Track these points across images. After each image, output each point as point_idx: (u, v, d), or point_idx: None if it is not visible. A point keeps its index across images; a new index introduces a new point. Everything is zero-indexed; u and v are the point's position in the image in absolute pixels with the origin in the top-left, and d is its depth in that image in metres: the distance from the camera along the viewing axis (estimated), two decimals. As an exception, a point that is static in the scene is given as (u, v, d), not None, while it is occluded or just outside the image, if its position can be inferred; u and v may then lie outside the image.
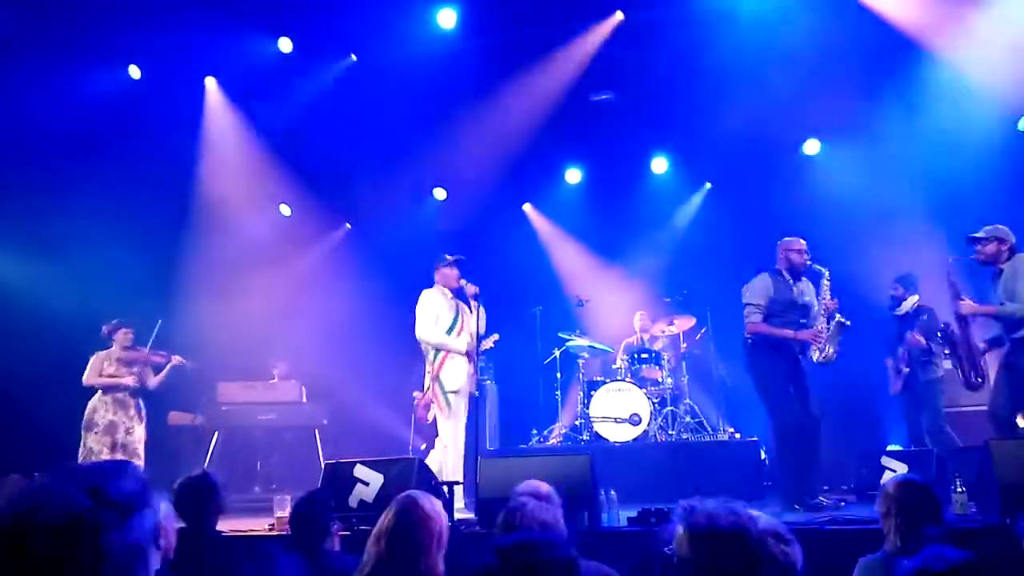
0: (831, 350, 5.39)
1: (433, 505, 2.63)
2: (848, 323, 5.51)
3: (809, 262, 5.58)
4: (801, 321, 5.50)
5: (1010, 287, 5.14)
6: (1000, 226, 5.33)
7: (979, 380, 5.37)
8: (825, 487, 5.56)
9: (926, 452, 5.66)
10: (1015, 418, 5.08)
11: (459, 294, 6.22)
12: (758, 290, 5.47)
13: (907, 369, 6.47)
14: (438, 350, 6.06)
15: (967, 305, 5.39)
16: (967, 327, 5.43)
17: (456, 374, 6.02)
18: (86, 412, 6.94)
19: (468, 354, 6.07)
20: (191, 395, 8.41)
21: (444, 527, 2.61)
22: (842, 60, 7.55)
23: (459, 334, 6.10)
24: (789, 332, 5.39)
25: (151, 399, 7.44)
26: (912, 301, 6.54)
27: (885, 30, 7.65)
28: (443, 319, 6.11)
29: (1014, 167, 7.75)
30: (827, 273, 5.57)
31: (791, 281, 5.53)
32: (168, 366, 7.27)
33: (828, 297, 5.52)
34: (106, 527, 1.26)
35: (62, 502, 1.24)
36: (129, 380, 7.04)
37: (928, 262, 6.93)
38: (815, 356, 5.43)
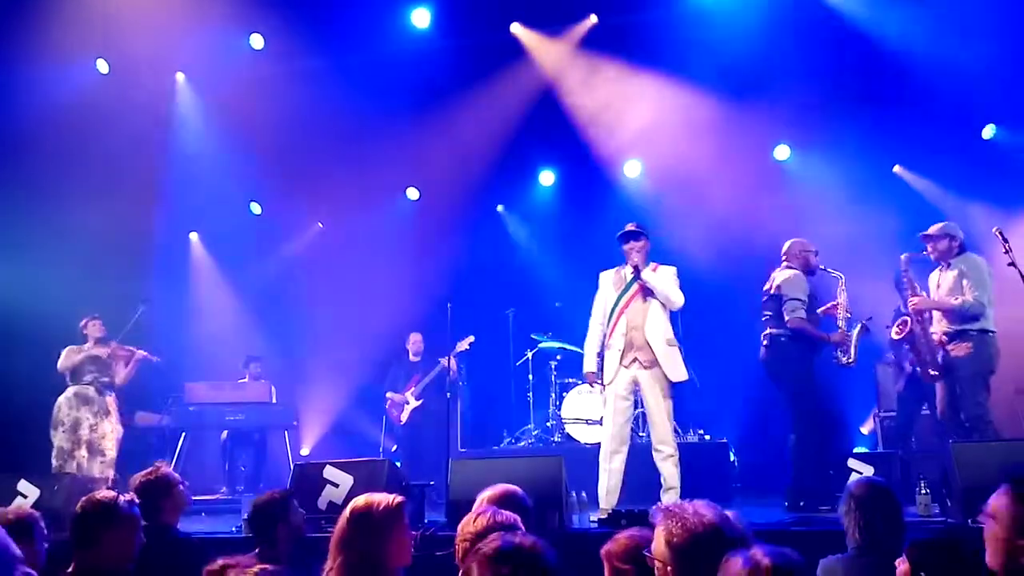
0: (854, 353, 5.42)
1: (385, 503, 2.60)
2: (869, 329, 5.57)
3: (822, 266, 5.60)
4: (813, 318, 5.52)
5: (960, 283, 5.26)
6: (950, 223, 5.48)
7: (936, 373, 5.45)
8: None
9: (891, 455, 5.75)
10: (985, 417, 5.16)
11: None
12: (800, 286, 5.42)
13: (911, 368, 6.45)
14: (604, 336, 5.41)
15: (922, 300, 5.50)
16: (924, 322, 5.53)
17: (609, 366, 5.31)
18: (53, 411, 6.84)
19: (624, 346, 5.26)
20: (158, 395, 8.30)
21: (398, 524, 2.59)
22: (813, 65, 7.64)
23: (619, 318, 5.33)
24: (824, 334, 5.41)
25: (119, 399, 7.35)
26: None
27: (855, 36, 7.77)
28: (608, 303, 5.42)
29: (981, 173, 7.92)
30: (843, 278, 5.57)
31: (806, 280, 5.56)
32: (133, 360, 7.18)
33: (846, 301, 5.51)
34: None
35: None
36: (101, 352, 6.98)
37: (893, 267, 7.06)
38: (841, 359, 5.44)
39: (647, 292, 5.31)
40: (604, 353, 5.39)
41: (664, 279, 5.35)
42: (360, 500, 2.62)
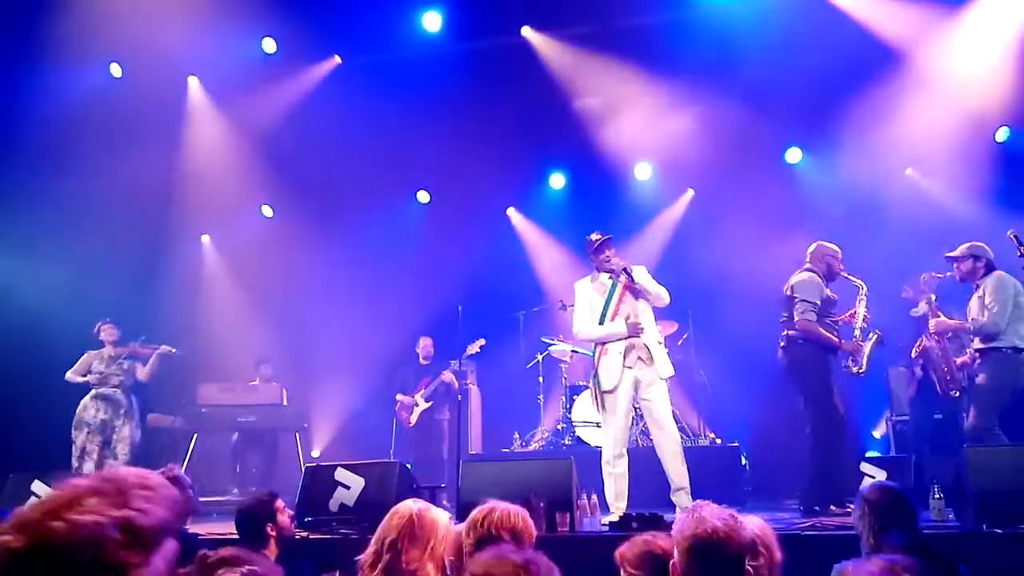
0: (865, 364, 5.35)
1: (438, 515, 2.59)
2: (883, 341, 5.48)
3: (845, 273, 5.53)
4: (834, 321, 5.46)
5: (983, 303, 5.23)
6: (976, 243, 5.41)
7: (955, 392, 5.43)
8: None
9: (904, 459, 5.71)
10: (992, 430, 5.12)
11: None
12: (814, 289, 5.37)
13: (921, 373, 6.45)
14: (596, 344, 5.36)
15: (940, 322, 5.49)
16: (944, 340, 5.51)
17: (610, 371, 5.20)
18: (77, 410, 6.98)
19: (628, 337, 5.20)
20: (170, 397, 8.34)
21: (446, 537, 2.56)
22: (825, 68, 7.60)
23: (613, 319, 5.28)
24: (836, 340, 5.32)
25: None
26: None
27: (867, 40, 7.74)
28: (595, 308, 5.35)
29: (993, 177, 7.87)
30: (864, 287, 5.49)
31: (825, 283, 5.49)
32: (155, 354, 7.32)
33: (865, 311, 5.43)
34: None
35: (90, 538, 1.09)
36: (92, 378, 7.12)
37: (905, 270, 7.04)
38: (852, 368, 5.37)
39: (635, 292, 5.30)
40: (600, 359, 5.30)
41: (646, 277, 5.36)
42: (422, 505, 2.61)
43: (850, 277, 5.54)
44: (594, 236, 5.42)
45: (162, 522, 1.18)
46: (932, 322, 5.53)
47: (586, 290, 5.46)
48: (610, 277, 5.36)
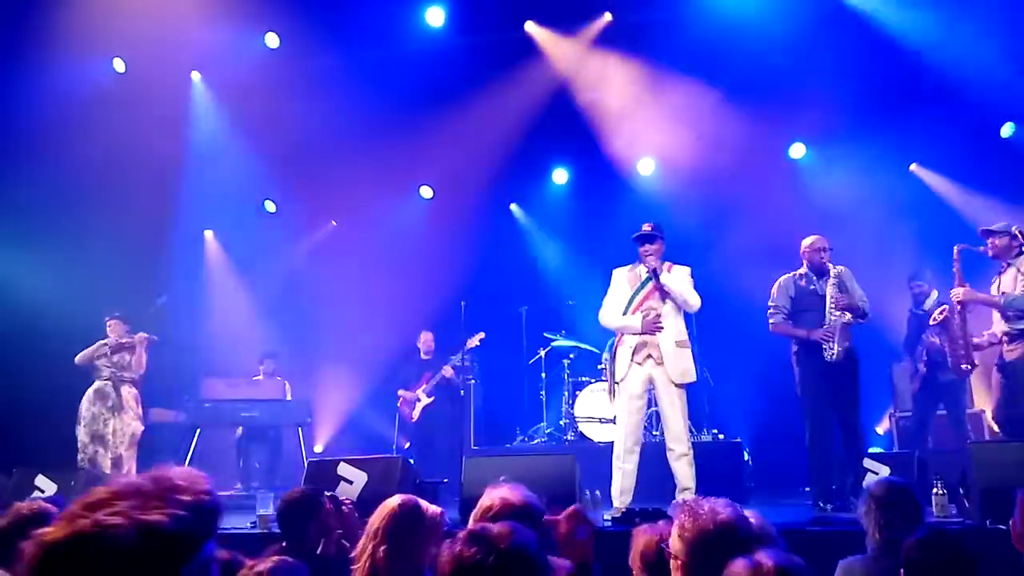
0: (836, 348, 5.23)
1: (425, 508, 2.60)
2: (851, 320, 5.33)
3: (828, 261, 5.46)
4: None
5: (1015, 281, 5.18)
6: (1014, 224, 5.39)
7: (967, 366, 5.37)
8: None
9: (907, 454, 5.69)
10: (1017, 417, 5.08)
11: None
12: (778, 292, 5.50)
13: (924, 369, 6.40)
14: (615, 333, 5.43)
15: (965, 291, 5.36)
16: (964, 313, 5.41)
17: (621, 362, 5.29)
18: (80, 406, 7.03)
19: (643, 334, 5.23)
20: (174, 392, 8.35)
21: (432, 530, 2.57)
22: (829, 63, 7.58)
23: (634, 312, 5.32)
24: (803, 332, 5.35)
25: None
26: (932, 298, 6.48)
27: (870, 36, 7.71)
28: (623, 298, 5.40)
29: (997, 174, 7.84)
30: (835, 271, 5.40)
31: (815, 279, 5.46)
32: (136, 345, 7.28)
33: (837, 294, 5.35)
34: None
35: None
36: (89, 352, 7.10)
37: (908, 267, 7.02)
38: (826, 354, 5.27)
39: (663, 292, 5.30)
40: (616, 350, 5.37)
41: (680, 280, 5.34)
42: (407, 498, 2.61)
43: (828, 263, 5.45)
44: (644, 227, 5.41)
45: (189, 532, 1.11)
46: (959, 291, 5.36)
47: (621, 279, 5.48)
48: (647, 272, 5.37)
